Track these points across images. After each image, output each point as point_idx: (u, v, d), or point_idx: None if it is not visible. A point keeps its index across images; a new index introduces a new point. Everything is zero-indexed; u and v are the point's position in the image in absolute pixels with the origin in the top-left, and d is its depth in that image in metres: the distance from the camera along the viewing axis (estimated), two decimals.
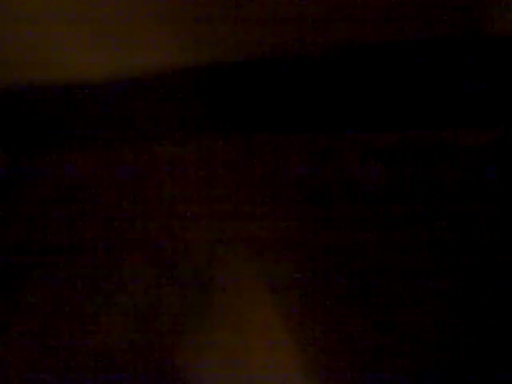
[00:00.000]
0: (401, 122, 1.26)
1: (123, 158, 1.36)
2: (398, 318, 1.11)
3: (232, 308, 1.21)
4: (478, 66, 1.19)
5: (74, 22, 1.25)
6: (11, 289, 1.33)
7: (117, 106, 1.37)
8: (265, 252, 1.24)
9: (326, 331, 1.14)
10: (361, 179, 1.22)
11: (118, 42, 1.29)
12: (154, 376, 1.21)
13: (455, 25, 1.17)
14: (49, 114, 1.39)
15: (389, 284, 1.14)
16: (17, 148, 1.46)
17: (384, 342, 1.10)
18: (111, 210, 1.35)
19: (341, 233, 1.20)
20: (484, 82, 1.18)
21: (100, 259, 1.31)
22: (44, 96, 1.35)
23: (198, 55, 1.31)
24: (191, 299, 1.23)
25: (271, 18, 1.25)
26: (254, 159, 1.29)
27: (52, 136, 1.42)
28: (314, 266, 1.19)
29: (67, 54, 1.29)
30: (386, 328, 1.11)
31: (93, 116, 1.38)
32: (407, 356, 1.09)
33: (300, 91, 1.28)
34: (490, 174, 1.16)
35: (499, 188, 1.17)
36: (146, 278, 1.27)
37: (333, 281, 1.16)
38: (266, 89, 1.31)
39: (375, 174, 1.22)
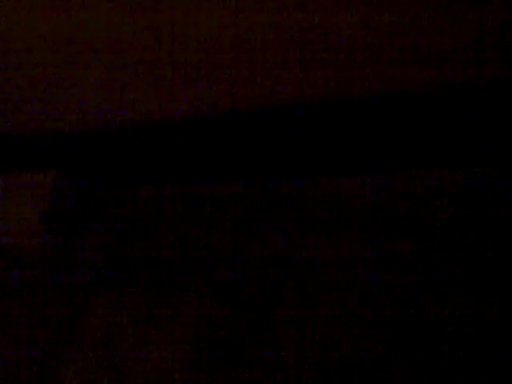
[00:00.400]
0: (466, 160, 1.21)
1: (192, 196, 1.36)
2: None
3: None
4: None
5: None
6: (74, 314, 1.37)
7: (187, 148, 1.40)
8: (327, 281, 1.21)
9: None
10: (428, 216, 1.18)
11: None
12: None
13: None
14: (123, 153, 1.43)
15: (452, 321, 1.09)
16: (90, 183, 1.50)
17: None
18: (172, 236, 1.37)
19: (406, 267, 1.16)
20: None
21: (162, 279, 1.32)
22: (118, 136, 1.41)
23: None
24: (247, 328, 1.20)
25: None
26: (326, 198, 1.28)
27: (124, 171, 1.46)
28: (378, 299, 1.16)
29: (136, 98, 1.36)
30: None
31: (166, 156, 1.42)
32: None
33: (365, 133, 1.26)
34: None
35: None
36: (201, 306, 1.26)
37: (392, 318, 1.12)
38: (331, 134, 1.29)
39: (442, 210, 1.18)
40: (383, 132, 1.25)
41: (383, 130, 1.25)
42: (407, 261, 1.19)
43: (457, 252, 1.14)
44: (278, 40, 1.23)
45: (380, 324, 1.15)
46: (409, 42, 1.17)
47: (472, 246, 1.13)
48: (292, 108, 1.29)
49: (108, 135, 1.42)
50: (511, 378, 1.03)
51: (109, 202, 1.46)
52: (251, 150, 1.38)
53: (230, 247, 1.31)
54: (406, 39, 1.17)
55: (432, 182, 1.20)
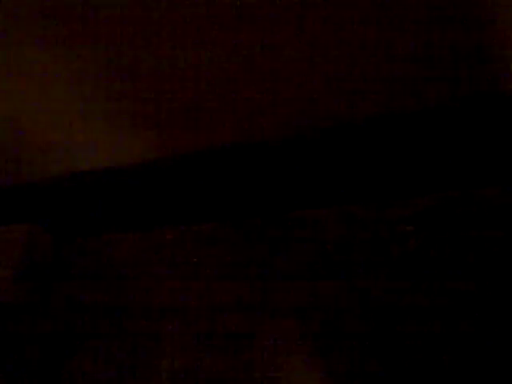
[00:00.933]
0: (430, 186, 1.21)
1: (161, 240, 1.34)
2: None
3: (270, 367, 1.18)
4: (502, 126, 1.17)
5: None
6: (64, 356, 1.34)
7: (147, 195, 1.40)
8: (293, 314, 1.21)
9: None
10: (390, 243, 1.18)
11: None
12: None
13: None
14: (91, 202, 1.42)
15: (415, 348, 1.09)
16: (64, 234, 1.48)
17: None
18: (151, 283, 1.34)
19: (368, 296, 1.17)
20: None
21: (143, 328, 1.30)
22: (85, 185, 1.39)
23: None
24: (228, 362, 1.20)
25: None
26: (294, 231, 1.27)
27: (96, 222, 1.44)
28: (337, 327, 1.17)
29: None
30: None
31: (132, 203, 1.41)
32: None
33: (330, 165, 1.26)
34: None
35: None
36: (183, 344, 1.25)
37: (356, 344, 1.14)
38: (296, 168, 1.29)
39: (405, 237, 1.18)
40: (346, 162, 1.26)
41: (346, 159, 1.25)
42: (368, 290, 1.18)
43: (423, 282, 1.14)
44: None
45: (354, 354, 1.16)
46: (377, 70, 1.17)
47: (438, 275, 1.13)
48: (256, 142, 1.28)
49: (78, 185, 1.38)
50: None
51: (85, 253, 1.42)
52: (221, 189, 1.37)
53: (209, 294, 1.28)
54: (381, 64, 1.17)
55: (396, 211, 1.20)
